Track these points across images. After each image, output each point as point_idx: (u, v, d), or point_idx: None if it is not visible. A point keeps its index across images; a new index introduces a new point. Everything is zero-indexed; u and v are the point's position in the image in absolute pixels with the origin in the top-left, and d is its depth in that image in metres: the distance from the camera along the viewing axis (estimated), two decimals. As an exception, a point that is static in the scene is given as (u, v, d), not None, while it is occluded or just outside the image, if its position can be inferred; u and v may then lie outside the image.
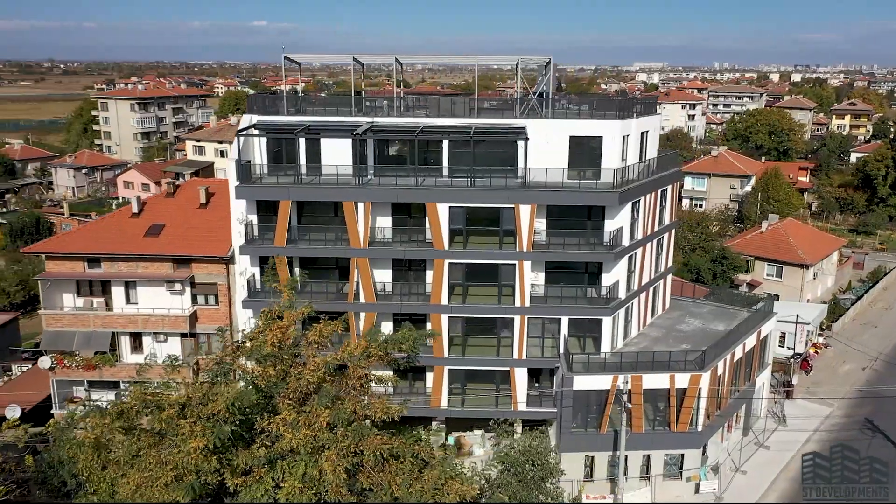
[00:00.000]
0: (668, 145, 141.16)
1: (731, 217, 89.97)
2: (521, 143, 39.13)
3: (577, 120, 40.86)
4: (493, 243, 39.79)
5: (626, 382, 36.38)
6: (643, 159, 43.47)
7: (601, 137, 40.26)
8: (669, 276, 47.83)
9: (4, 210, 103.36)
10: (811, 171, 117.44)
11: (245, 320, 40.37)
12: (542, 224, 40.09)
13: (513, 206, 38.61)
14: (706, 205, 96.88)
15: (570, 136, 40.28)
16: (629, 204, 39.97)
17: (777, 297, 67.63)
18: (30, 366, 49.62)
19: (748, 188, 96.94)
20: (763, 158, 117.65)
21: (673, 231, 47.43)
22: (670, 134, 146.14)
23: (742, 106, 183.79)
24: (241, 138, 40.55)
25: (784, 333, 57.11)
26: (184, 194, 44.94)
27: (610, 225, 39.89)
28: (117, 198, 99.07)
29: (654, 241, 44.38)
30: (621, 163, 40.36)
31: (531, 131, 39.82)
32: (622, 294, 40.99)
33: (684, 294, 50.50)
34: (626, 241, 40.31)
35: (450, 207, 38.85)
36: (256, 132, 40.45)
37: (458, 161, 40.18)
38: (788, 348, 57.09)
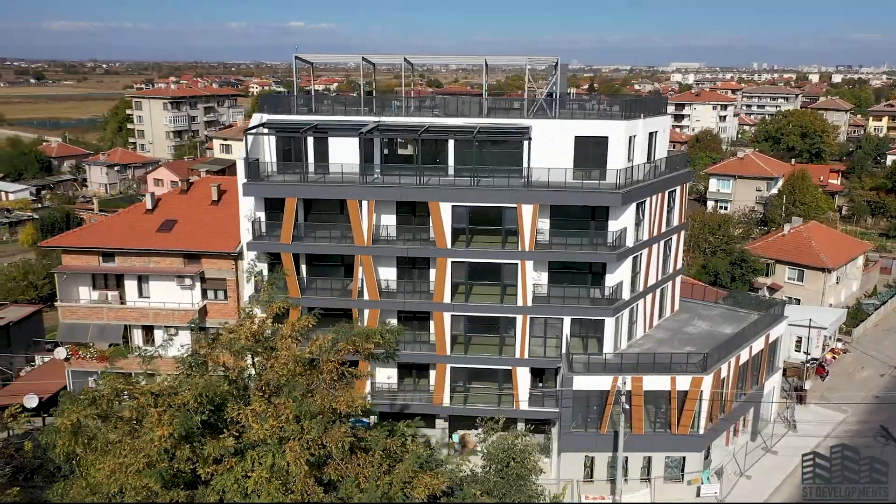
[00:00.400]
0: (697, 146, 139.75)
1: (755, 220, 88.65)
2: (524, 143, 39.26)
3: (583, 120, 40.86)
4: (495, 242, 40.01)
5: (625, 383, 36.31)
6: (651, 160, 43.28)
7: (606, 138, 40.25)
8: (678, 279, 47.49)
9: (39, 206, 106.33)
10: (843, 173, 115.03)
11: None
12: (545, 224, 40.21)
13: (515, 205, 38.79)
14: (731, 207, 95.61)
15: (576, 137, 40.33)
16: (633, 205, 39.85)
17: (798, 301, 66.92)
18: (51, 356, 51.12)
19: (775, 190, 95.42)
20: (793, 160, 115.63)
21: (682, 233, 47.09)
22: (699, 135, 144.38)
23: (777, 107, 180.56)
24: (251, 137, 41.42)
25: (800, 338, 56.32)
26: (197, 191, 45.97)
27: (613, 225, 39.82)
28: (147, 194, 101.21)
29: (662, 243, 44.13)
30: (627, 163, 40.30)
31: (537, 131, 39.98)
32: (626, 295, 40.87)
33: (705, 297, 49.77)
34: (630, 242, 40.20)
35: (452, 206, 39.15)
36: (266, 131, 41.28)
37: (464, 160, 40.47)
38: (805, 353, 56.25)
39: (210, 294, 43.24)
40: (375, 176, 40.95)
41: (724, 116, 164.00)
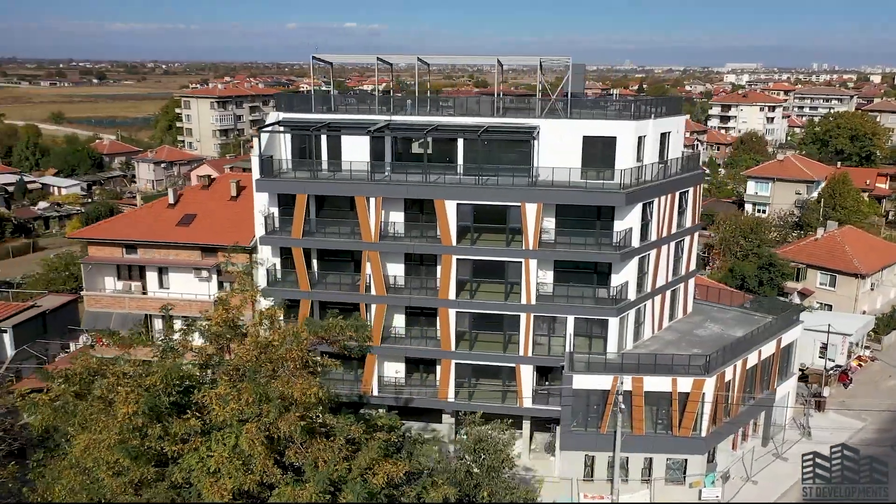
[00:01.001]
0: (742, 148, 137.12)
1: (790, 223, 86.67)
2: (531, 143, 39.59)
3: (591, 120, 40.94)
4: (500, 241, 40.42)
5: (622, 383, 36.35)
6: (665, 160, 43.12)
7: (615, 138, 40.30)
8: (692, 280, 47.09)
9: (89, 200, 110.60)
10: (892, 177, 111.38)
11: (264, 307, 42.53)
12: (551, 223, 40.47)
13: (519, 204, 39.14)
14: (769, 210, 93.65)
15: (584, 137, 40.49)
16: (639, 205, 39.77)
17: (829, 307, 65.39)
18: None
19: (815, 194, 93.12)
20: (839, 163, 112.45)
21: (696, 234, 46.68)
22: (744, 137, 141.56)
23: (830, 109, 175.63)
24: (267, 134, 42.73)
25: (825, 344, 55.08)
26: (218, 187, 47.57)
27: (619, 225, 39.83)
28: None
29: (672, 244, 43.88)
30: (636, 163, 40.26)
31: (546, 131, 40.31)
32: (632, 295, 40.82)
33: (731, 302, 48.89)
34: (635, 243, 40.13)
35: (457, 204, 39.73)
36: (281, 129, 42.52)
37: (474, 159, 41.02)
38: (829, 360, 55.04)
39: (226, 286, 44.64)
40: (386, 174, 41.81)
41: (772, 118, 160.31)
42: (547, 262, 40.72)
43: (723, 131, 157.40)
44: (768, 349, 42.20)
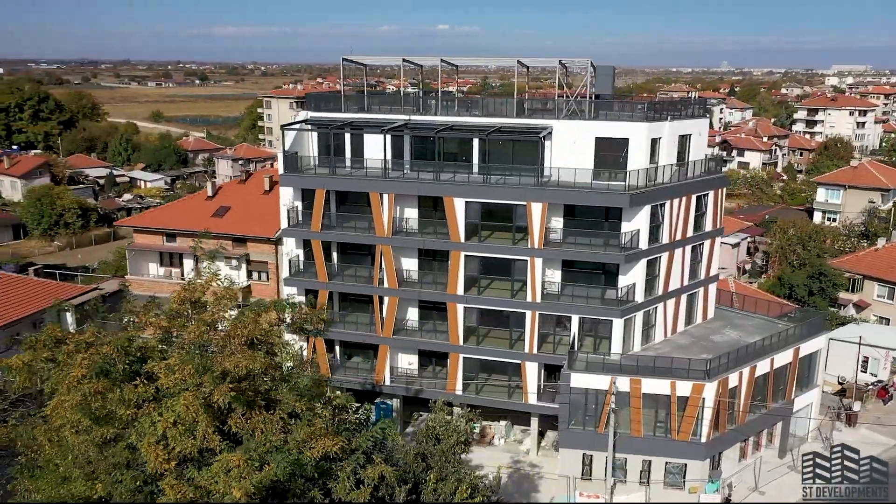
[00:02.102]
0: (825, 154, 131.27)
1: (857, 232, 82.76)
2: (538, 143, 40.22)
3: (603, 121, 41.14)
4: (507, 239, 41.21)
5: (616, 383, 36.50)
6: (685, 163, 42.82)
7: (627, 139, 40.42)
8: (713, 286, 46.33)
9: (171, 193, 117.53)
10: None
11: (287, 297, 44.95)
12: (559, 223, 40.96)
13: (525, 203, 39.84)
14: (839, 219, 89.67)
15: (596, 138, 40.81)
16: (647, 207, 39.67)
17: (887, 321, 62.56)
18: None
19: (891, 203, 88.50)
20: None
21: (718, 239, 45.90)
22: (828, 142, 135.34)
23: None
24: (294, 132, 45.09)
25: (867, 358, 52.91)
26: (253, 181, 50.37)
27: (626, 227, 39.88)
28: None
29: (688, 248, 43.41)
30: (649, 165, 40.22)
31: (561, 132, 40.92)
32: (639, 297, 40.76)
33: (769, 312, 47.42)
34: (643, 245, 40.06)
35: (466, 202, 40.81)
36: (309, 127, 44.76)
37: (488, 159, 42.02)
38: (871, 374, 52.85)
39: (255, 275, 47.38)
40: (405, 171, 43.34)
41: (863, 123, 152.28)
42: (555, 261, 41.20)
43: (807, 136, 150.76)
44: (783, 358, 41.14)
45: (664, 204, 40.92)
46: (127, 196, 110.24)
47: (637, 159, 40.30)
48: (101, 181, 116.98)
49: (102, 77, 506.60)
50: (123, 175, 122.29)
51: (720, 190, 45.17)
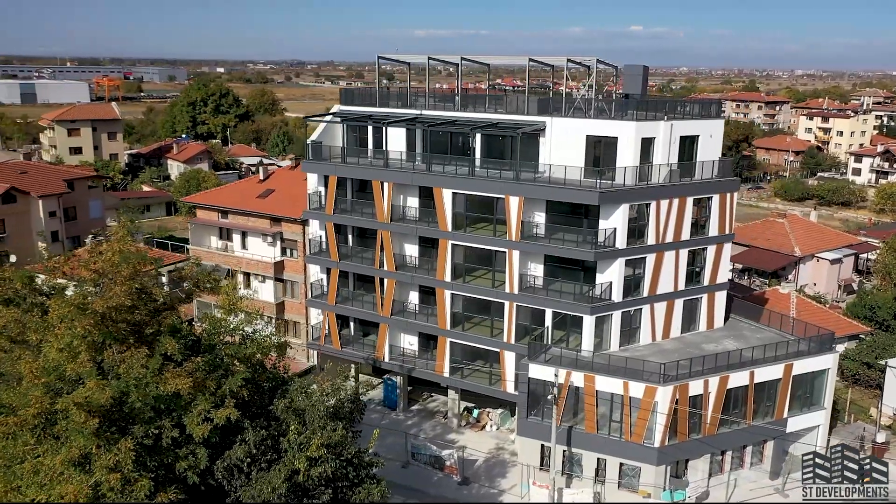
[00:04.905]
0: None
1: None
2: (530, 140, 41.42)
3: (593, 119, 41.34)
4: (489, 230, 42.68)
5: (557, 376, 36.93)
6: (691, 164, 41.98)
7: (616, 138, 40.45)
8: (722, 293, 44.41)
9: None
10: None
11: (312, 273, 49.69)
12: (541, 218, 41.76)
13: (503, 196, 41.15)
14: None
15: (587, 136, 41.23)
16: (624, 206, 39.41)
17: None
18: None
19: None
20: None
21: (727, 245, 43.96)
22: None
23: None
24: (323, 124, 49.56)
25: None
26: (300, 169, 55.33)
27: (603, 224, 39.90)
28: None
29: (685, 251, 42.22)
30: (641, 164, 40.00)
31: (555, 129, 41.88)
32: (617, 297, 40.51)
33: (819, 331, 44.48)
34: (620, 244, 39.82)
35: (453, 193, 42.84)
36: (338, 119, 48.99)
37: (487, 153, 43.88)
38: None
39: (288, 252, 52.40)
40: (418, 162, 46.27)
41: None
42: (537, 255, 42.03)
43: None
44: (767, 373, 38.94)
45: (649, 204, 40.33)
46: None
47: (625, 158, 40.15)
48: (253, 168, 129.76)
49: (304, 77, 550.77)
50: (273, 164, 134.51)
51: (730, 194, 43.28)
